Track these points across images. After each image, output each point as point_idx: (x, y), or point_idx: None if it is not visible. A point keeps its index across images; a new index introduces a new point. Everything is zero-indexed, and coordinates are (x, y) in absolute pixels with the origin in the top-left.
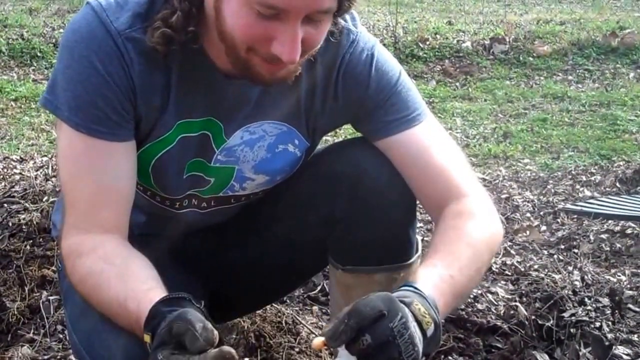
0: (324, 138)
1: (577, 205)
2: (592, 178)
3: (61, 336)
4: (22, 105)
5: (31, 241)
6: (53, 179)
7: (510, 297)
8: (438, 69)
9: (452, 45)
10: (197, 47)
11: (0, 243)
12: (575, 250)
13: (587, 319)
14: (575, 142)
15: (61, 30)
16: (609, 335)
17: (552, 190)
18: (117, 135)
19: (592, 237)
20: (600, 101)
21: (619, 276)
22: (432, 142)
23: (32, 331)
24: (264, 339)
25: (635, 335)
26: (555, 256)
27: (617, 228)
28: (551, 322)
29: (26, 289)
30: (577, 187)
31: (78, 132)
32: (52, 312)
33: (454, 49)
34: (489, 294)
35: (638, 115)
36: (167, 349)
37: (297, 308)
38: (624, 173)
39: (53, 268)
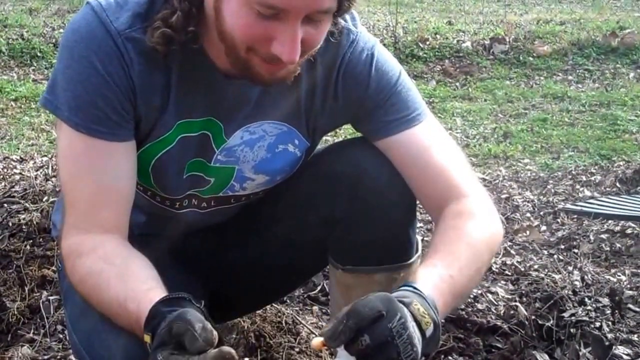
0: (324, 138)
1: (577, 205)
2: (592, 178)
3: (61, 336)
4: (22, 105)
5: (31, 241)
6: (53, 179)
7: (510, 297)
8: (438, 69)
9: (452, 45)
10: (197, 47)
11: (0, 243)
12: (575, 250)
13: (587, 319)
14: (575, 142)
15: (61, 30)
16: (609, 335)
17: (552, 190)
18: (117, 135)
19: (592, 237)
20: (600, 101)
21: (619, 276)
22: (432, 142)
23: (32, 331)
24: (264, 339)
25: (635, 335)
26: (555, 256)
27: (617, 228)
28: (551, 322)
29: (26, 289)
30: (577, 187)
31: (78, 132)
32: (52, 312)
33: (454, 49)
34: (489, 294)
35: (638, 115)
36: (166, 349)
37: (297, 308)
38: (624, 173)
39: (53, 268)
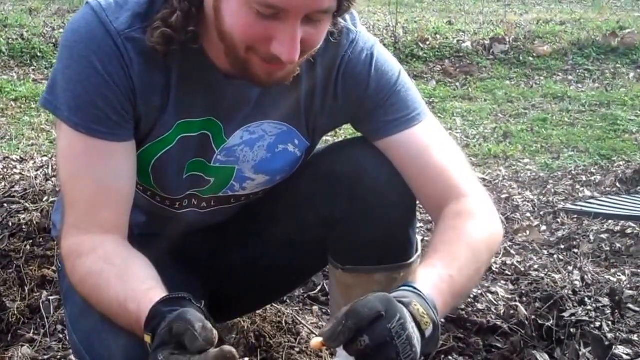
0: (324, 138)
1: (577, 205)
2: (592, 178)
3: (61, 336)
4: (22, 105)
5: (31, 241)
6: (53, 179)
7: (510, 297)
8: (438, 69)
9: (452, 45)
10: (197, 47)
11: (0, 243)
12: (575, 250)
13: (587, 319)
14: (575, 142)
15: (61, 30)
16: (609, 335)
17: (552, 190)
18: (117, 135)
19: (592, 237)
20: (600, 101)
21: (619, 276)
22: (431, 142)
23: (32, 331)
24: (264, 339)
25: (635, 335)
26: (555, 256)
27: (617, 228)
28: (551, 322)
29: (26, 289)
30: (577, 187)
31: (78, 132)
32: (52, 312)
33: (454, 49)
34: (489, 294)
35: (638, 115)
36: (167, 349)
37: (297, 308)
38: (624, 173)
39: (53, 268)
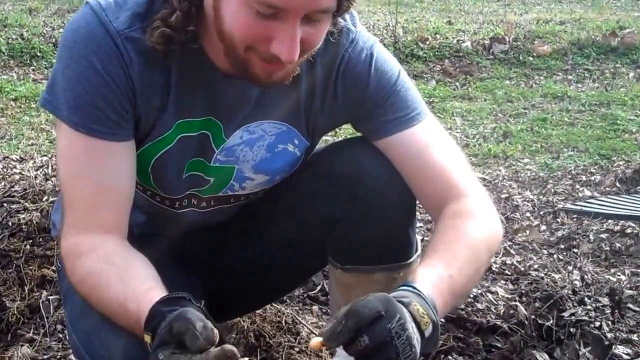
0: (324, 138)
1: (577, 205)
2: (592, 178)
3: (61, 336)
4: (22, 105)
5: (31, 241)
6: (53, 179)
7: (510, 297)
8: (438, 69)
9: (452, 45)
10: (197, 47)
11: (0, 243)
12: (575, 250)
13: (587, 318)
14: (575, 142)
15: (61, 30)
16: (609, 335)
17: (552, 190)
18: (117, 135)
19: (592, 237)
20: (600, 101)
21: (619, 276)
22: (431, 142)
23: (32, 331)
24: (264, 339)
25: (635, 335)
26: (555, 256)
27: (617, 228)
28: (551, 322)
29: (26, 289)
30: (577, 187)
31: (78, 132)
32: (52, 312)
33: (454, 49)
34: (489, 294)
35: (638, 115)
36: (168, 348)
37: (297, 308)
38: (624, 173)
39: (53, 268)
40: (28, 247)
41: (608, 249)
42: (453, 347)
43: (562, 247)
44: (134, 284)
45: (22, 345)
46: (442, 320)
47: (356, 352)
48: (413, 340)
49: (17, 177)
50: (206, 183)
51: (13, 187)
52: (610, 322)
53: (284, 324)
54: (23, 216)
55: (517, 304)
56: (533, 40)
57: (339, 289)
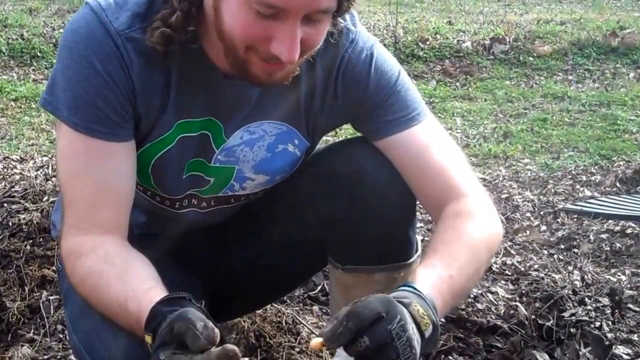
0: (324, 138)
1: (577, 205)
2: (592, 178)
3: (61, 336)
4: (22, 105)
5: (31, 241)
6: (53, 179)
7: (510, 297)
8: (438, 69)
9: (452, 45)
10: (197, 47)
11: (0, 243)
12: (575, 250)
13: (587, 318)
14: (575, 142)
15: (61, 30)
16: (609, 335)
17: (552, 190)
18: (116, 135)
19: (592, 237)
20: (600, 101)
21: (619, 276)
22: (431, 142)
23: (32, 331)
24: (264, 339)
25: (635, 335)
26: (555, 256)
27: (617, 228)
28: (551, 322)
29: (26, 289)
30: (577, 187)
31: (77, 132)
32: (52, 312)
33: (454, 49)
34: (489, 294)
35: (638, 115)
36: (168, 348)
37: (297, 308)
38: (624, 173)
39: (53, 268)
40: (28, 247)
41: (608, 249)
42: (453, 347)
43: (562, 247)
44: (134, 284)
45: (22, 345)
46: (442, 320)
47: (356, 353)
48: (413, 341)
49: (17, 177)
50: (206, 183)
51: (13, 187)
52: (610, 322)
53: (284, 324)
54: (23, 216)
55: (517, 304)
56: (533, 40)
57: (339, 289)
